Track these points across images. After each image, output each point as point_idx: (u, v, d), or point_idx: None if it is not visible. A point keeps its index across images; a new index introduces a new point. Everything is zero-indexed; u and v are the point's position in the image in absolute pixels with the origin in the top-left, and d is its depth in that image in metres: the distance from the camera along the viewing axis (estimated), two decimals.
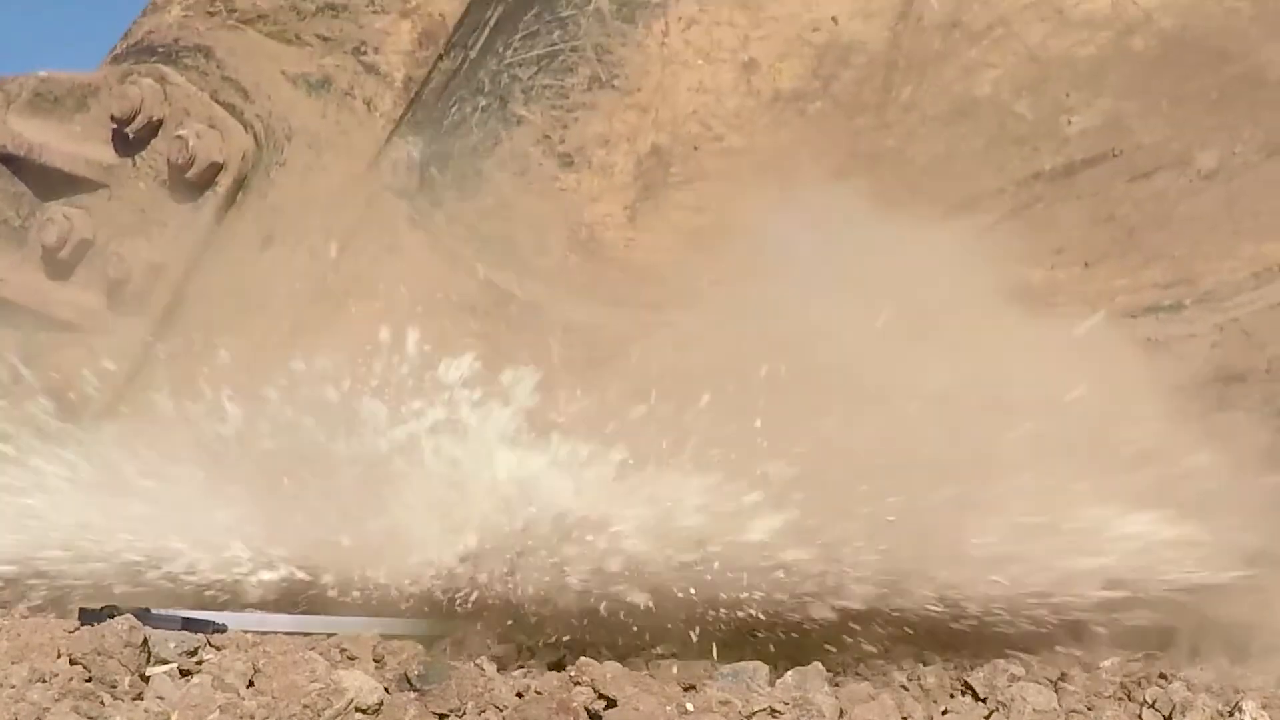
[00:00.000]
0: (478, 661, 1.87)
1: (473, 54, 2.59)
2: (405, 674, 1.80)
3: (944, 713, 1.95)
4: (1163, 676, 2.01)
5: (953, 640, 2.16)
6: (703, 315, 2.36)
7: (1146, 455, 2.08)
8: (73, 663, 1.72)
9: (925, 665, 2.12)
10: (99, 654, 1.72)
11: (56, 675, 1.66)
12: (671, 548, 2.08)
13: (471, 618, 2.19)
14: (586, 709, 1.72)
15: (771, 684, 1.89)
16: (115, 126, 2.70)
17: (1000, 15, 2.40)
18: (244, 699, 1.67)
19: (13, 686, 1.61)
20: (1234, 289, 2.22)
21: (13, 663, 1.70)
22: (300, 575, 2.27)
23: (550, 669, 2.02)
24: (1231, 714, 1.82)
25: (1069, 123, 2.35)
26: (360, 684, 1.70)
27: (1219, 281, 2.23)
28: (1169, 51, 2.33)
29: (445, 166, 2.58)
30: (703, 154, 2.48)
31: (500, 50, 2.58)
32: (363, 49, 2.61)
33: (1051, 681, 2.02)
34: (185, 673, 1.78)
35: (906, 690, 2.05)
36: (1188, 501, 2.08)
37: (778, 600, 2.07)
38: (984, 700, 1.96)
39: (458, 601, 2.17)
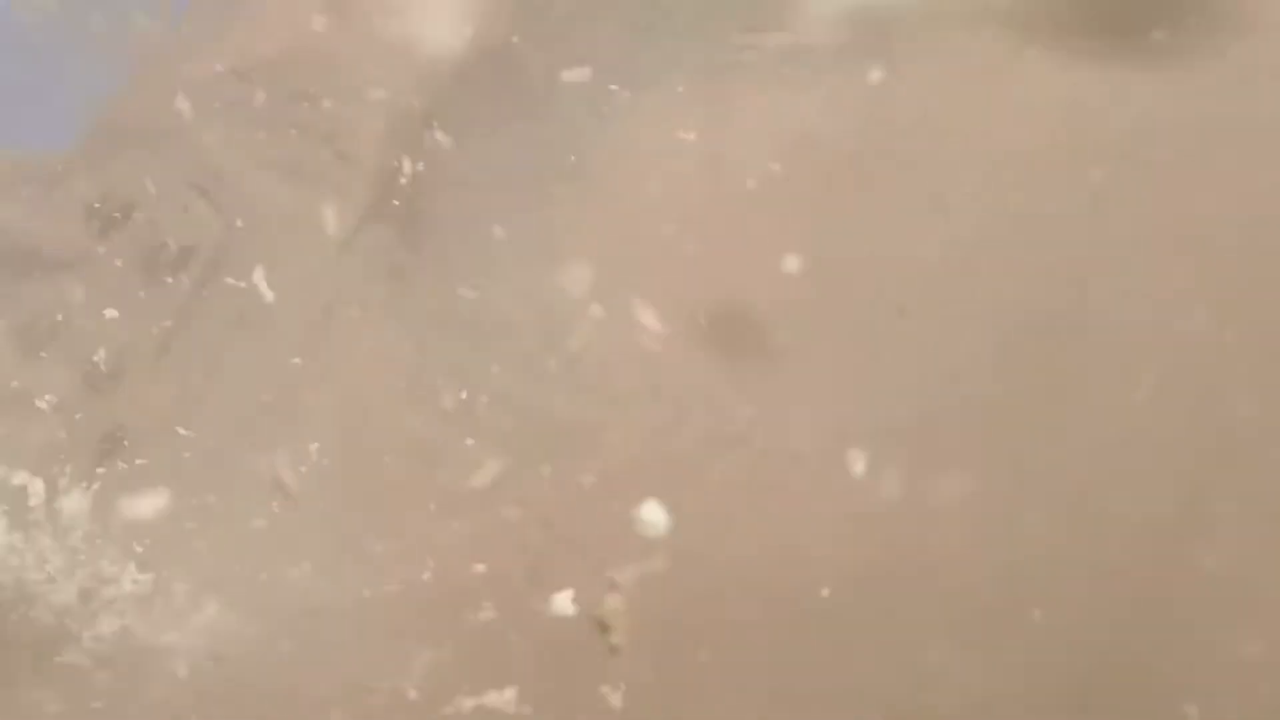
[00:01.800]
0: None
1: (445, 144, 2.61)
2: None
3: None
4: None
5: None
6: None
7: None
8: None
9: None
10: None
11: None
12: None
13: None
14: None
15: None
16: (87, 209, 2.71)
17: (972, 113, 2.44)
18: None
19: None
20: None
21: None
22: None
23: None
24: None
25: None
26: None
27: None
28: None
29: (418, 254, 2.61)
30: (670, 257, 2.51)
31: (468, 143, 2.60)
32: (333, 136, 2.63)
33: None
34: None
35: None
36: None
37: None
38: None
39: None
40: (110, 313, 2.71)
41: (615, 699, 2.31)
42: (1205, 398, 2.32)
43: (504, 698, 2.34)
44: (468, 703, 2.35)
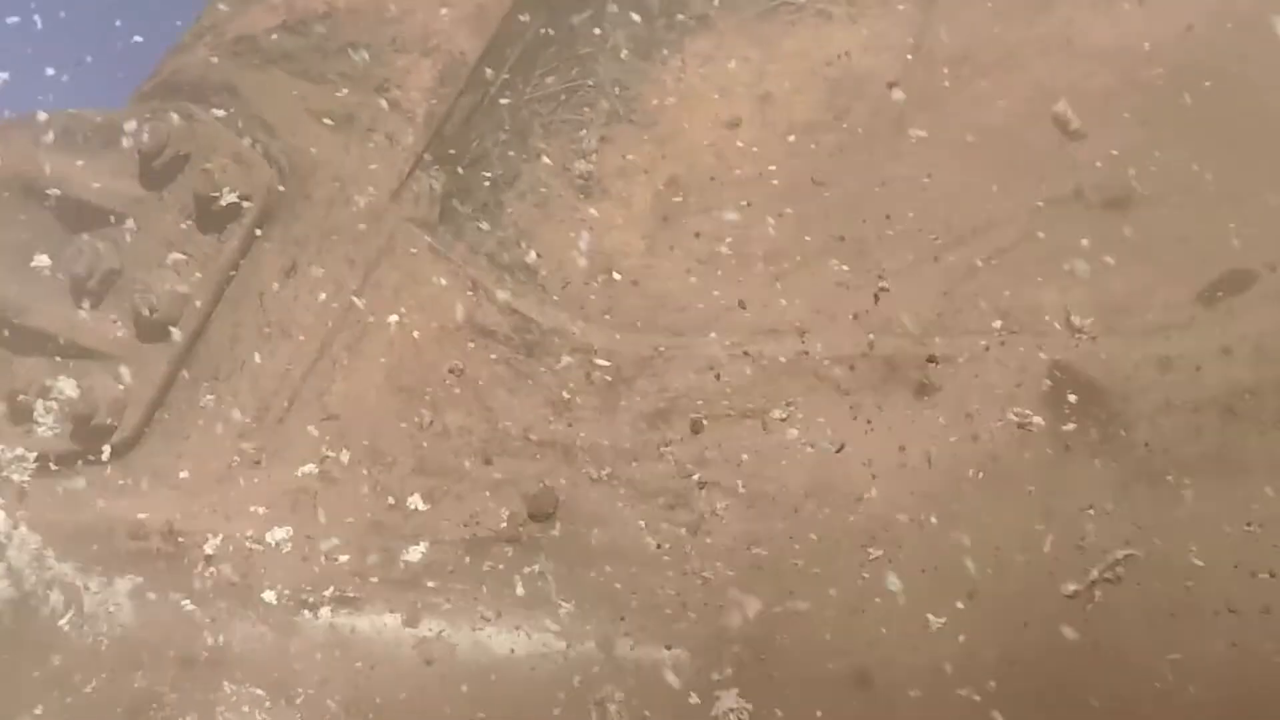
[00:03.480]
0: None
1: (493, 90, 2.66)
2: None
3: None
4: None
5: None
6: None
7: None
8: None
9: None
10: None
11: None
12: None
13: None
14: None
15: None
16: (143, 161, 2.75)
17: (1009, 49, 2.47)
18: None
19: None
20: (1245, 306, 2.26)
21: None
22: None
23: None
24: None
25: (1079, 150, 2.41)
26: None
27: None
28: (1177, 81, 2.39)
29: (466, 198, 2.65)
30: (719, 184, 2.54)
31: (520, 87, 2.64)
32: (385, 86, 2.68)
33: None
34: None
35: None
36: None
37: None
38: None
39: None
40: (165, 263, 2.74)
41: None
42: None
43: None
44: None
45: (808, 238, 2.50)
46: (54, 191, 2.82)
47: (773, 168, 2.54)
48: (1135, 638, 2.08)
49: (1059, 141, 2.43)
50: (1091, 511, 2.15)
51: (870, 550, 2.33)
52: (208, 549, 2.64)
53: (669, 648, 2.33)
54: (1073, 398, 2.26)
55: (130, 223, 2.78)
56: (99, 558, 2.70)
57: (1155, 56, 2.42)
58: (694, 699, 2.26)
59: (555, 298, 2.57)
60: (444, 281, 2.60)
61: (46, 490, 2.81)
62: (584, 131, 2.60)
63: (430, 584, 2.51)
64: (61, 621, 2.66)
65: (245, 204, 2.70)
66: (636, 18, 2.61)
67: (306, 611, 2.58)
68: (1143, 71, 2.42)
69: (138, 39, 2.77)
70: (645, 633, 2.35)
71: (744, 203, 2.51)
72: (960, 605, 2.19)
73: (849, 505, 2.37)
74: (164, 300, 2.69)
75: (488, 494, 2.52)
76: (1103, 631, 2.10)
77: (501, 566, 2.52)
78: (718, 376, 2.46)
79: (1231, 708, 2.03)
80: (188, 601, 2.62)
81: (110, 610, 2.63)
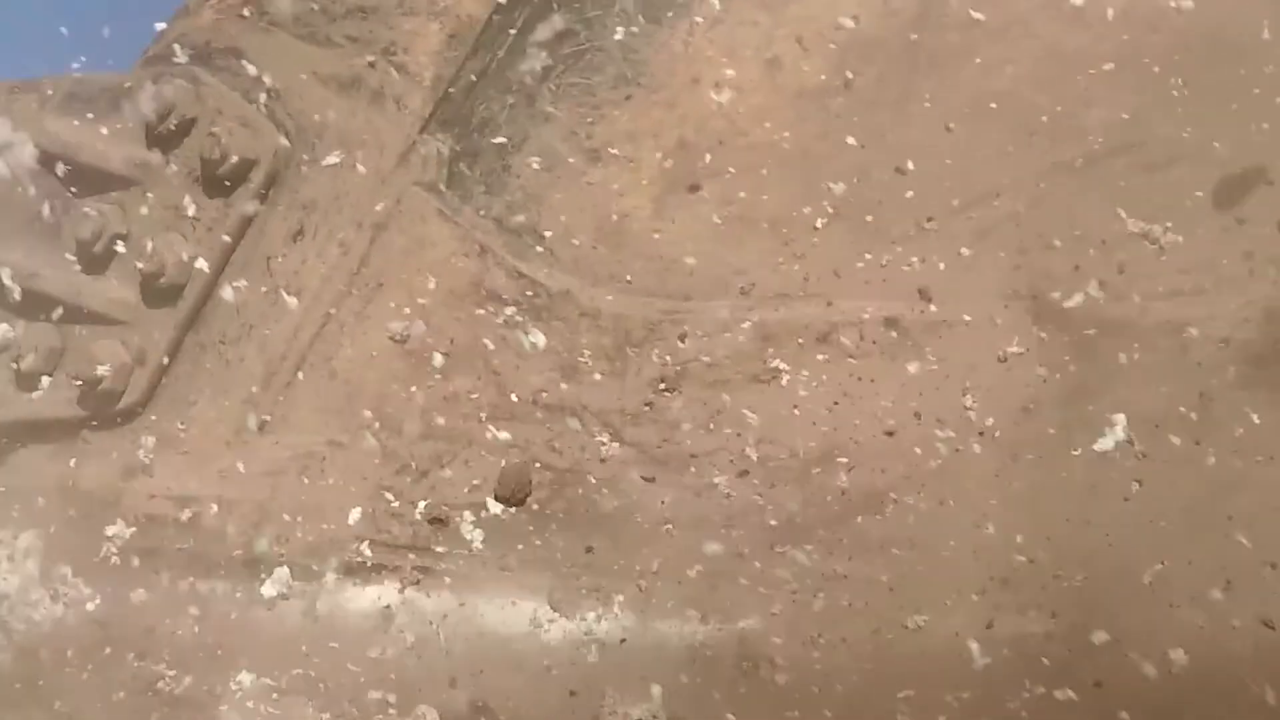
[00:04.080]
0: None
1: (500, 54, 2.65)
2: None
3: None
4: None
5: None
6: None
7: None
8: None
9: None
10: None
11: None
12: None
13: None
14: None
15: None
16: (148, 125, 2.74)
17: (1019, 13, 2.46)
18: None
19: None
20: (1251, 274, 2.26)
21: None
22: None
23: None
24: None
25: (1088, 115, 2.41)
26: None
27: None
28: (1186, 46, 2.39)
29: (474, 162, 2.64)
30: (727, 149, 2.53)
31: (527, 50, 2.64)
32: (392, 49, 2.67)
33: None
34: None
35: None
36: None
37: None
38: None
39: None
40: (171, 226, 2.74)
41: None
42: None
43: None
44: None
45: (816, 202, 2.49)
46: (59, 156, 2.81)
47: (782, 132, 2.53)
48: None
49: (1069, 107, 2.43)
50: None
51: (879, 516, 2.34)
52: (214, 515, 2.65)
53: (689, 614, 2.35)
54: (1073, 367, 2.27)
55: (136, 188, 2.77)
56: (103, 526, 2.71)
57: (1166, 22, 2.42)
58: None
59: (563, 262, 2.56)
60: (452, 245, 2.60)
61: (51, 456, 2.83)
62: (593, 96, 2.58)
63: (439, 549, 2.52)
64: (61, 597, 2.67)
65: (252, 168, 2.69)
66: None
67: (314, 578, 2.58)
68: (1153, 37, 2.41)
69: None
70: (660, 601, 2.37)
71: (752, 167, 2.50)
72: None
73: (861, 466, 2.38)
74: (170, 265, 2.69)
75: (497, 459, 2.52)
76: None
77: (510, 534, 2.52)
78: (727, 341, 2.46)
79: None
80: (191, 575, 2.63)
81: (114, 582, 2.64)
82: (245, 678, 2.53)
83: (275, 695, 2.52)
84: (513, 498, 2.48)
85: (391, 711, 2.45)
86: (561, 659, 2.41)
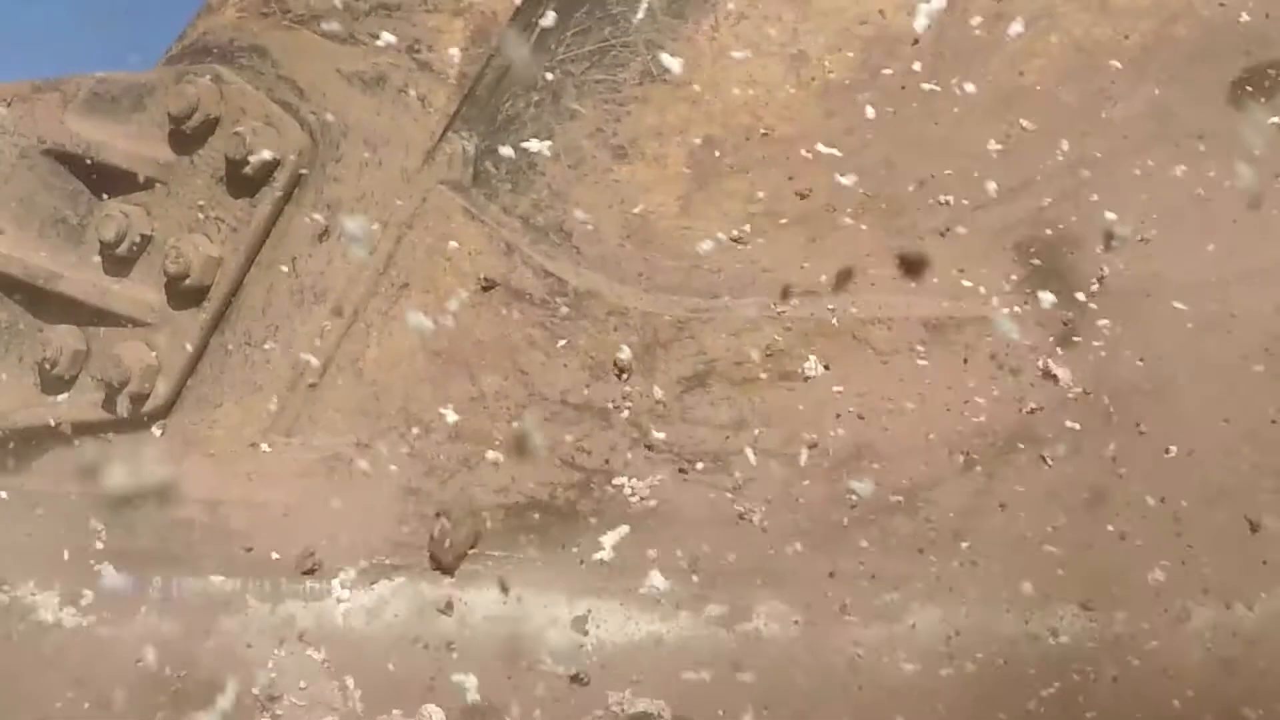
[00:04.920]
0: None
1: (526, 50, 2.63)
2: None
3: None
4: None
5: None
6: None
7: None
8: None
9: None
10: None
11: None
12: None
13: None
14: None
15: None
16: (172, 125, 2.73)
17: (1044, 6, 2.44)
18: None
19: None
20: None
21: None
22: None
23: None
24: None
25: (1114, 108, 2.40)
26: None
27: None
28: (1212, 38, 2.38)
29: (499, 161, 2.63)
30: (754, 144, 2.52)
31: (552, 47, 2.62)
32: (417, 47, 2.65)
33: None
34: None
35: None
36: None
37: None
38: None
39: None
40: (195, 227, 2.73)
41: None
42: None
43: None
44: None
45: (843, 198, 2.48)
46: (82, 156, 2.80)
47: (808, 127, 2.52)
48: None
49: (1096, 100, 2.42)
50: None
51: (910, 515, 2.35)
52: (243, 517, 2.65)
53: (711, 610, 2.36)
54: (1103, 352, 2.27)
55: (160, 188, 2.76)
56: (131, 529, 2.71)
57: (1190, 14, 2.41)
58: None
59: (590, 260, 2.55)
60: (478, 244, 2.59)
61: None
62: (618, 92, 2.57)
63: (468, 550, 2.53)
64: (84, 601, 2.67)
65: (277, 167, 2.68)
66: None
67: (342, 578, 2.59)
68: (1178, 29, 2.40)
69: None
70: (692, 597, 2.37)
71: (779, 162, 2.49)
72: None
73: (890, 464, 2.38)
74: (196, 266, 2.68)
75: (525, 460, 2.52)
76: None
77: (539, 534, 2.52)
78: (755, 339, 2.45)
79: None
80: (220, 575, 2.63)
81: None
82: (262, 675, 2.54)
83: (289, 695, 2.53)
84: (445, 565, 2.49)
85: (396, 712, 2.46)
86: (571, 657, 2.42)
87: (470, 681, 2.46)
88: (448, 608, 2.51)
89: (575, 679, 2.42)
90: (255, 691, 2.53)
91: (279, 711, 2.51)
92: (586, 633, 2.45)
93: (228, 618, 2.59)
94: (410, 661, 2.50)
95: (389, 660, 2.51)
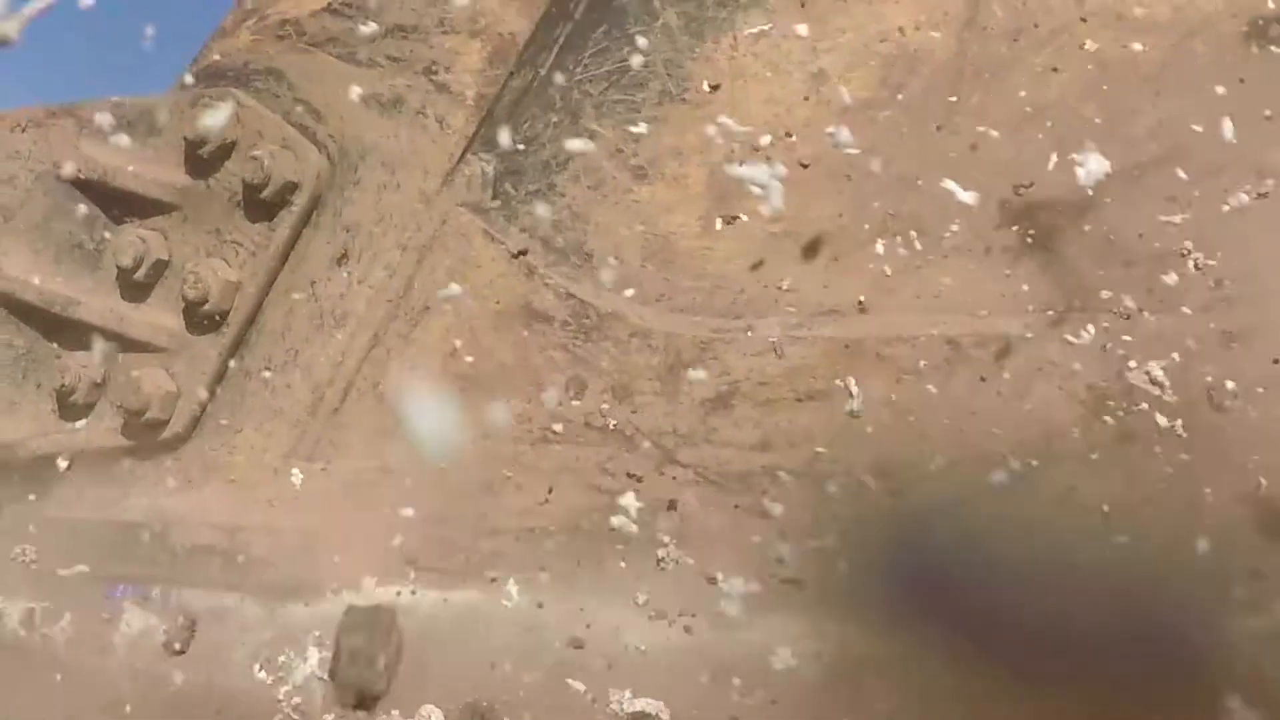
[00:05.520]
0: None
1: (543, 71, 2.62)
2: None
3: None
4: None
5: None
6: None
7: None
8: None
9: None
10: None
11: None
12: None
13: None
14: None
15: None
16: (188, 149, 2.72)
17: (1064, 22, 2.43)
18: None
19: None
20: None
21: None
22: None
23: None
24: None
25: (1135, 124, 2.39)
26: None
27: None
28: (1230, 53, 2.37)
29: (519, 182, 2.62)
30: (774, 164, 2.51)
31: (570, 67, 2.61)
32: (434, 68, 2.64)
33: None
34: None
35: None
36: None
37: None
38: None
39: None
40: (213, 251, 2.72)
41: None
42: None
43: None
44: None
45: (865, 215, 2.47)
46: (98, 181, 2.79)
47: (828, 146, 2.51)
48: None
49: (1118, 116, 2.41)
50: None
51: (935, 535, 2.34)
52: (264, 543, 2.64)
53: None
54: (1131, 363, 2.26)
55: (177, 213, 2.75)
56: (153, 556, 2.69)
57: (1209, 30, 2.40)
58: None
59: (612, 281, 2.54)
60: (499, 266, 2.58)
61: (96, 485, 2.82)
62: (638, 112, 2.56)
63: (490, 575, 2.51)
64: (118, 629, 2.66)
65: (294, 191, 2.67)
66: None
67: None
68: (1197, 45, 2.40)
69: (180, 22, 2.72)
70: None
71: (799, 182, 2.48)
72: None
73: (917, 487, 2.37)
74: (214, 291, 2.67)
75: (548, 483, 2.51)
76: None
77: (559, 555, 2.51)
78: (778, 359, 2.44)
79: None
80: (249, 600, 2.62)
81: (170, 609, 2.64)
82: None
83: None
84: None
85: (395, 712, 2.45)
86: (575, 659, 2.42)
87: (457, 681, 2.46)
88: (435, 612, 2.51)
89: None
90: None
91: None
92: (589, 636, 2.44)
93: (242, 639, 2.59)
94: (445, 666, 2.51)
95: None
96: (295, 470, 2.66)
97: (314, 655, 2.56)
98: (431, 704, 2.44)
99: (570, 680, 2.41)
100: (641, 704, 2.36)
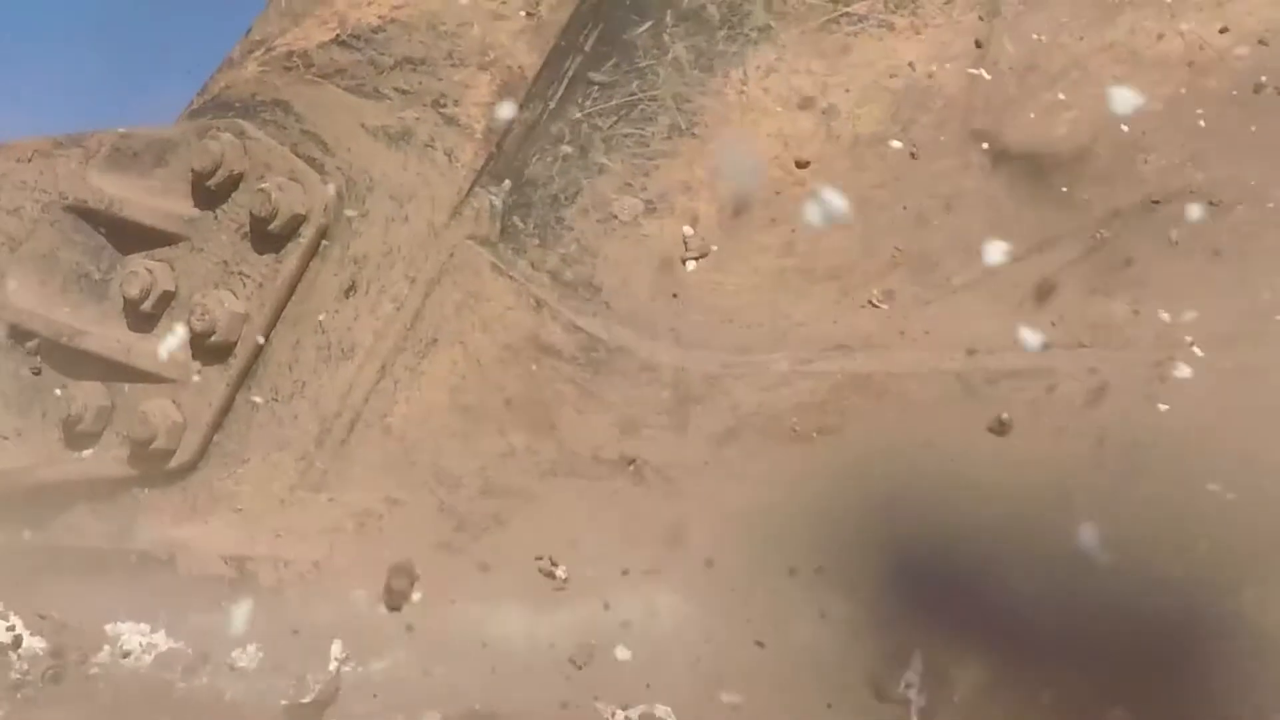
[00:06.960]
0: None
1: (552, 105, 2.62)
2: None
3: None
4: None
5: None
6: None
7: None
8: None
9: None
10: None
11: None
12: None
13: None
14: None
15: None
16: (195, 180, 2.72)
17: (1075, 58, 2.44)
18: None
19: None
20: None
21: None
22: None
23: None
24: None
25: (1146, 161, 2.39)
26: None
27: None
28: (1243, 90, 2.37)
29: (527, 215, 2.62)
30: (785, 198, 2.51)
31: (579, 100, 2.61)
32: (442, 101, 2.64)
33: None
34: None
35: None
36: None
37: None
38: None
39: None
40: (220, 283, 2.71)
41: None
42: None
43: None
44: None
45: (875, 251, 2.48)
46: (105, 212, 2.79)
47: (838, 181, 2.51)
48: None
49: (1127, 153, 2.41)
50: None
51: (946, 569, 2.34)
52: (271, 574, 2.63)
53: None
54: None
55: (184, 244, 2.74)
56: (159, 587, 2.69)
57: (1224, 67, 2.40)
58: None
59: (620, 315, 2.54)
60: (507, 300, 2.58)
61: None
62: (647, 146, 2.56)
63: (495, 591, 2.52)
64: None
65: (302, 223, 2.66)
66: (696, 30, 2.58)
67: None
68: (1211, 81, 2.40)
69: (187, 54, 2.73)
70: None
71: (809, 216, 2.48)
72: None
73: (928, 521, 2.37)
74: (221, 322, 2.66)
75: (558, 516, 2.51)
76: None
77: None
78: (787, 394, 2.44)
79: None
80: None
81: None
82: None
83: None
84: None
85: (399, 717, 2.45)
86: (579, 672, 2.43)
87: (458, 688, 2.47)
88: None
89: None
90: None
91: None
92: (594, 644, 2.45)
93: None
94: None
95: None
96: (302, 501, 2.65)
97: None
98: (434, 710, 2.44)
99: (574, 688, 2.41)
100: (647, 710, 2.36)
